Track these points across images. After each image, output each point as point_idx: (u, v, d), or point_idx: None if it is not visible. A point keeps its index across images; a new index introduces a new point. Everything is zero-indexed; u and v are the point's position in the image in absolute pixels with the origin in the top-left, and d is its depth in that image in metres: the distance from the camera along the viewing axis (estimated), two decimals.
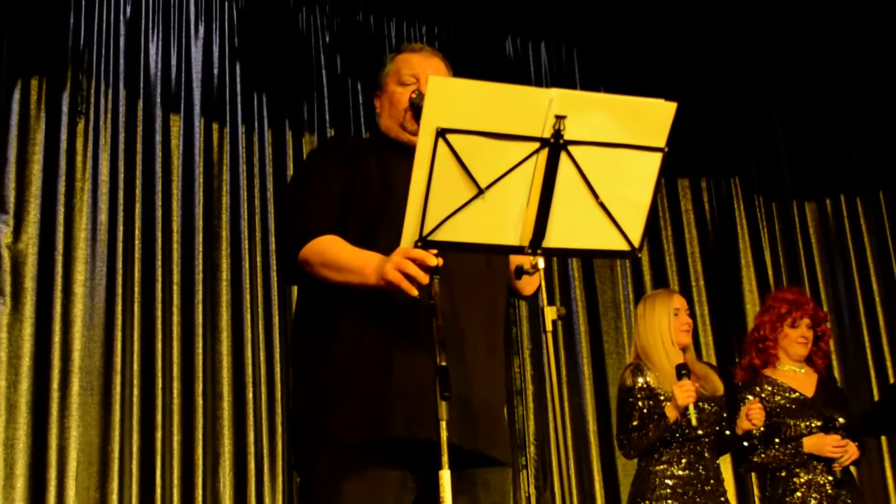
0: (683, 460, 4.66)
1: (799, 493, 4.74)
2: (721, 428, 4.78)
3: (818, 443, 4.76)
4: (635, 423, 4.68)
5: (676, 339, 4.84)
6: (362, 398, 2.67)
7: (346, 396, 2.69)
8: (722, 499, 4.66)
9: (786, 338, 5.02)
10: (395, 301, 2.60)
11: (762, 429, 4.80)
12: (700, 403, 4.62)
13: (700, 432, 4.67)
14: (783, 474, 4.81)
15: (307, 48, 6.31)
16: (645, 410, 4.68)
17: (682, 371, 4.57)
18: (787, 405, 4.88)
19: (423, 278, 2.43)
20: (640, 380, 4.75)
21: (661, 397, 4.66)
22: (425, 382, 2.48)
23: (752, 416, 4.67)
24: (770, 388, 4.94)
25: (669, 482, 4.61)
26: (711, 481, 4.68)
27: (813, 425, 4.81)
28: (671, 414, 4.59)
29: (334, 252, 2.71)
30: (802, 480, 4.76)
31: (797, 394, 4.91)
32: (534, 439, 6.10)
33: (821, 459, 4.75)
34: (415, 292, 2.45)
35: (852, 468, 4.90)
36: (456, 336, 2.68)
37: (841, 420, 4.85)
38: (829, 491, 4.71)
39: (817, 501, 4.70)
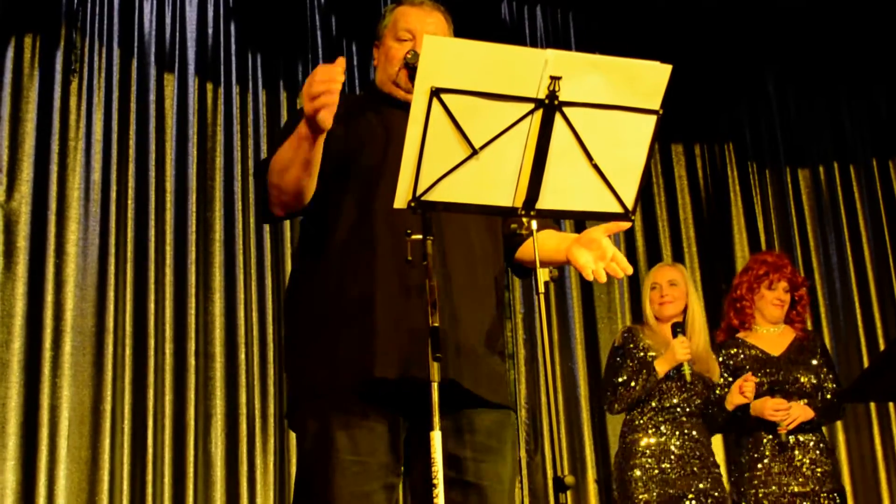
0: (662, 428, 4.73)
1: (766, 460, 4.77)
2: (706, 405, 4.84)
3: (760, 407, 4.74)
4: (622, 378, 4.78)
5: (654, 312, 4.97)
6: (346, 342, 2.67)
7: (330, 343, 2.70)
8: (700, 467, 4.70)
9: (762, 299, 5.04)
10: (379, 249, 2.66)
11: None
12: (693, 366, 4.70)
13: (675, 400, 4.75)
14: (751, 440, 4.83)
15: (302, 8, 6.28)
16: (632, 368, 4.78)
17: (678, 329, 4.73)
18: (748, 366, 4.89)
19: (333, 88, 2.41)
20: (632, 341, 4.87)
21: (651, 355, 4.76)
22: (409, 322, 2.56)
23: (746, 390, 4.70)
24: (736, 350, 4.98)
25: (649, 450, 4.69)
26: (697, 451, 4.72)
27: (764, 386, 4.81)
28: (660, 368, 4.69)
29: (277, 153, 2.67)
30: (769, 447, 4.77)
31: (761, 353, 4.92)
32: (525, 403, 6.12)
33: (769, 423, 4.75)
34: (329, 116, 2.45)
35: (840, 433, 4.88)
36: (443, 281, 2.68)
37: (803, 379, 4.84)
38: (798, 457, 4.72)
39: (781, 468, 4.73)
